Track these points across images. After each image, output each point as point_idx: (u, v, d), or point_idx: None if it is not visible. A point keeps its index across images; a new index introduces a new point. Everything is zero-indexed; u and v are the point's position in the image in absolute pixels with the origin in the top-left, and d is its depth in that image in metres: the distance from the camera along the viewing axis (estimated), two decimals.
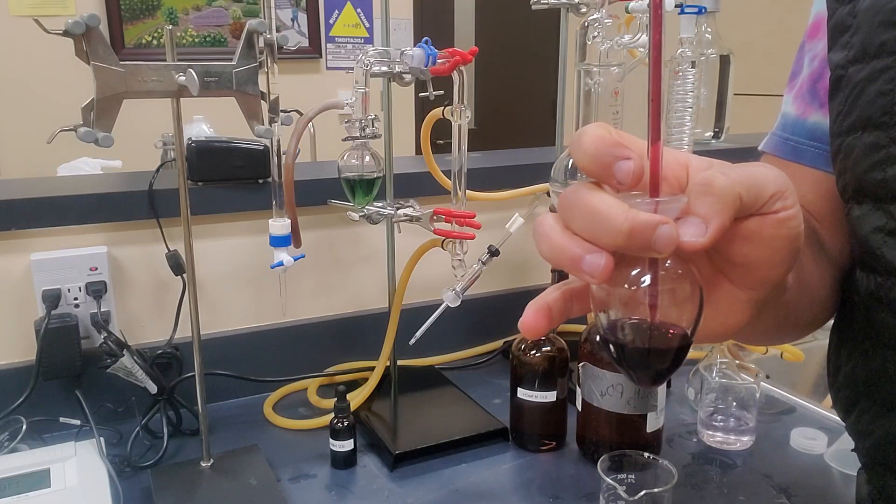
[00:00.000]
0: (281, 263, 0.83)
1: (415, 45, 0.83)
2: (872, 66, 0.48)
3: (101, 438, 0.85)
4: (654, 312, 0.35)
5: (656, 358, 0.37)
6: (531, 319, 0.38)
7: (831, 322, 0.58)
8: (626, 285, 0.35)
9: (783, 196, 0.36)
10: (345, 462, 0.89)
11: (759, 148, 0.66)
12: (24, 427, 0.88)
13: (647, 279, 0.34)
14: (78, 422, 0.91)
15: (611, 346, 0.37)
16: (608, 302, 0.36)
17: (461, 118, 0.83)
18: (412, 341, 0.86)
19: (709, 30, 1.37)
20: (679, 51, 0.99)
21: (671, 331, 0.36)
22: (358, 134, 0.86)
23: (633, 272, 0.35)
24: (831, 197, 0.57)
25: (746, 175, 0.35)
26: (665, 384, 0.89)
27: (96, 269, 0.96)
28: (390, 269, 0.99)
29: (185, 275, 0.98)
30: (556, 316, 0.38)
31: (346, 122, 0.86)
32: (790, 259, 0.37)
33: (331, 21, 2.97)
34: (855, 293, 0.52)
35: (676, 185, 0.36)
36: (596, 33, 0.94)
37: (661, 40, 0.33)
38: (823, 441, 0.92)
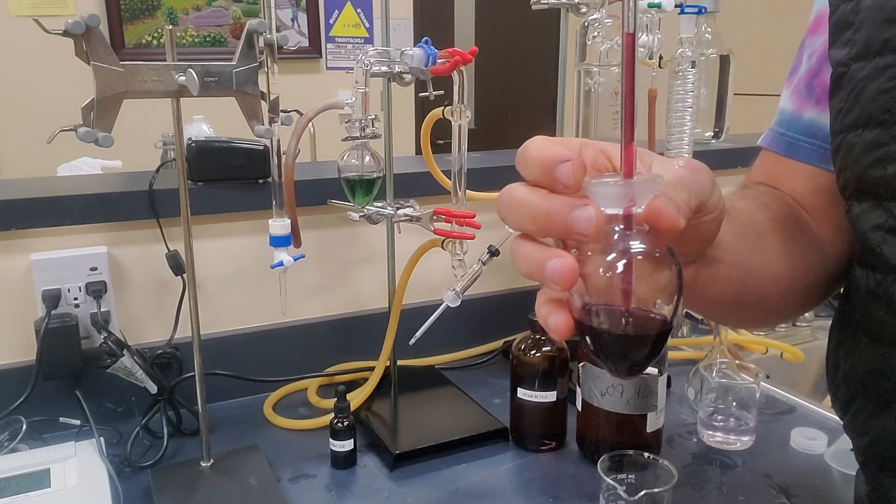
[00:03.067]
0: (281, 263, 0.83)
1: (415, 45, 0.82)
2: (874, 63, 0.48)
3: (101, 438, 0.85)
4: (628, 298, 0.35)
5: (634, 345, 0.36)
6: (563, 322, 0.36)
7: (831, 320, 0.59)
8: (600, 271, 0.35)
9: (717, 193, 0.40)
10: (345, 462, 0.89)
11: (758, 143, 0.66)
12: (24, 427, 0.88)
13: (620, 264, 0.34)
14: (78, 422, 0.91)
15: (586, 335, 0.37)
16: (581, 289, 0.36)
17: (461, 118, 0.83)
18: (412, 341, 0.86)
19: (709, 30, 1.37)
20: (679, 51, 0.99)
21: (648, 317, 0.36)
22: (358, 134, 0.86)
23: (608, 257, 0.34)
24: (825, 192, 0.58)
25: (695, 188, 0.39)
26: (665, 384, 0.89)
27: (96, 269, 0.96)
28: (390, 269, 0.99)
29: (185, 275, 0.98)
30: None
31: (346, 122, 0.86)
32: (711, 236, 0.43)
33: (331, 21, 2.97)
34: (854, 291, 0.53)
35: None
36: (596, 33, 0.94)
37: (633, 39, 0.34)
38: (823, 441, 0.92)
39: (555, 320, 0.36)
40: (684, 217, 0.35)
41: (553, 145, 0.36)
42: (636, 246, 0.34)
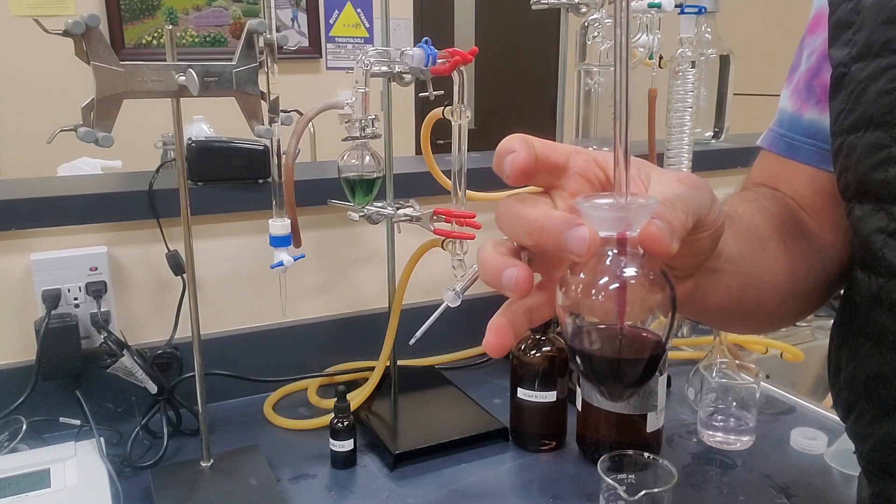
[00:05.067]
0: (281, 263, 0.83)
1: (415, 45, 0.82)
2: (876, 64, 0.48)
3: (101, 438, 0.85)
4: (620, 322, 0.34)
5: (625, 369, 0.36)
6: (494, 341, 0.38)
7: (832, 322, 0.58)
8: (591, 293, 0.34)
9: (716, 209, 0.39)
10: (345, 462, 0.89)
11: (758, 143, 0.66)
12: (24, 427, 0.88)
13: (612, 288, 0.34)
14: (78, 422, 0.91)
15: (576, 357, 0.36)
16: (572, 309, 0.35)
17: (461, 118, 0.83)
18: (412, 341, 0.86)
19: (709, 30, 1.37)
20: (679, 51, 0.99)
21: (640, 340, 0.35)
22: (358, 134, 0.86)
23: (600, 280, 0.34)
24: (825, 193, 0.58)
25: (693, 207, 0.37)
26: (665, 384, 0.89)
27: (96, 269, 0.96)
28: (390, 269, 0.99)
29: (185, 275, 0.98)
30: (518, 330, 0.39)
31: (346, 122, 0.86)
32: (708, 251, 0.41)
33: (331, 21, 2.97)
34: (856, 294, 0.52)
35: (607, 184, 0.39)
36: (596, 33, 0.94)
37: (628, 42, 0.33)
38: (823, 441, 0.92)
39: (488, 338, 0.37)
40: (679, 240, 0.34)
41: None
42: (629, 270, 0.34)
